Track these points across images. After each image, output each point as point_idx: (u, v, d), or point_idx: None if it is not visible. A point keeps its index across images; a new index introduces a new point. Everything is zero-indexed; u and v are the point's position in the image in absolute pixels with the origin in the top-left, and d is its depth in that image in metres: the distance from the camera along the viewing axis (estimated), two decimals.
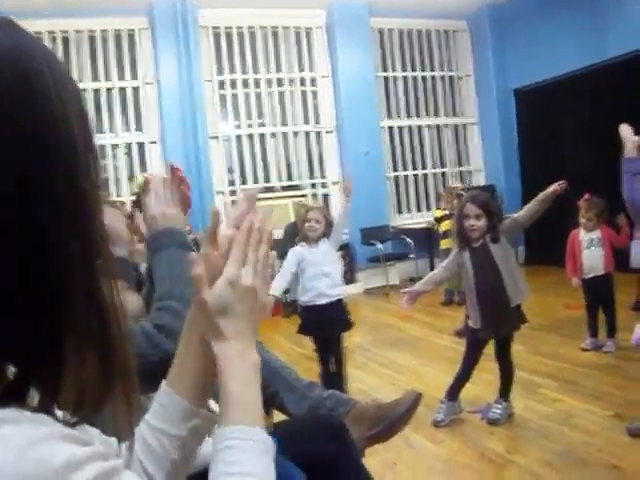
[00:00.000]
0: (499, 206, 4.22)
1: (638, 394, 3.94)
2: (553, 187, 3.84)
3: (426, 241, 9.74)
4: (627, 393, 4.18)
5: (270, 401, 2.37)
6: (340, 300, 4.51)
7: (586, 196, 5.23)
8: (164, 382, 1.03)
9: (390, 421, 2.26)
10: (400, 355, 5.81)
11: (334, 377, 4.40)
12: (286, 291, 8.46)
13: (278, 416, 2.48)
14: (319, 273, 4.44)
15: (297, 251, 4.55)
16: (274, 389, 2.36)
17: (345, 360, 4.58)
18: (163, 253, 1.52)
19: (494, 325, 3.90)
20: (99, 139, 9.04)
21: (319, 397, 2.37)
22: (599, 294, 5.23)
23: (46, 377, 0.71)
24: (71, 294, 0.70)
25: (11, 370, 0.69)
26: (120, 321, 0.77)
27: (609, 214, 5.19)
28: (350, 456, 1.83)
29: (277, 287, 4.45)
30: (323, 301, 4.44)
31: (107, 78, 9.16)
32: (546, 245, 8.89)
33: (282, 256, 8.59)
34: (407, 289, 4.08)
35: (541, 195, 3.88)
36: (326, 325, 4.46)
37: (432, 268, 9.95)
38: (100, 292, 0.75)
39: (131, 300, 1.74)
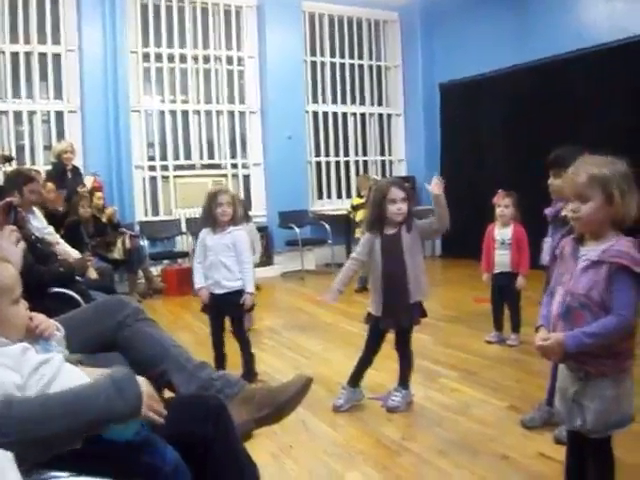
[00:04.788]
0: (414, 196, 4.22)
1: (535, 387, 4.04)
2: (432, 187, 3.82)
3: (344, 228, 9.78)
4: (525, 386, 4.30)
5: (159, 379, 2.33)
6: (238, 290, 4.46)
7: (499, 191, 5.35)
8: None
9: (279, 403, 2.25)
10: (309, 340, 5.83)
11: (226, 359, 4.52)
12: None
13: (168, 395, 2.45)
14: (217, 262, 4.40)
15: (200, 239, 4.53)
16: (164, 368, 2.33)
17: (248, 343, 4.63)
18: None
19: (393, 315, 3.92)
20: (16, 104, 8.73)
21: (208, 377, 2.34)
22: (504, 289, 5.36)
23: None
24: None
25: None
26: None
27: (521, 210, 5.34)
28: (227, 437, 1.82)
29: (199, 281, 4.47)
30: (219, 291, 4.43)
31: (27, 41, 8.79)
32: (461, 238, 9.02)
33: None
34: (327, 295, 4.00)
35: (433, 200, 3.83)
36: (222, 309, 4.50)
37: (349, 255, 10.03)
38: None
39: None
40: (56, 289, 3.83)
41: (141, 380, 1.64)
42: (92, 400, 1.52)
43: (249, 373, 4.49)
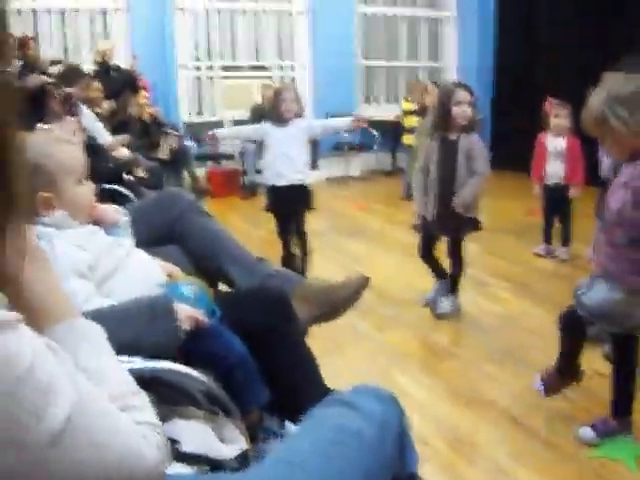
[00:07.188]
0: None
1: None
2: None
3: (391, 134, 9.58)
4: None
5: (216, 273, 2.32)
6: (302, 184, 4.44)
7: (552, 100, 5.14)
8: None
9: (336, 302, 2.24)
10: (355, 244, 5.80)
11: (295, 259, 4.49)
12: (244, 172, 8.47)
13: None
14: (281, 154, 4.35)
15: (263, 125, 4.53)
16: (221, 261, 2.31)
17: (308, 242, 4.61)
18: None
19: (445, 223, 3.88)
20: (59, 2, 8.55)
21: (266, 273, 2.33)
22: (556, 202, 5.23)
23: None
24: None
25: None
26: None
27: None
28: (290, 329, 1.83)
29: (221, 132, 4.83)
30: (282, 182, 4.37)
31: None
32: (514, 150, 8.80)
33: None
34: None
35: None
36: (287, 204, 4.46)
37: (394, 162, 9.90)
38: None
39: None
40: (107, 186, 3.83)
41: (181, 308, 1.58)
42: (128, 318, 1.49)
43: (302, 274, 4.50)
